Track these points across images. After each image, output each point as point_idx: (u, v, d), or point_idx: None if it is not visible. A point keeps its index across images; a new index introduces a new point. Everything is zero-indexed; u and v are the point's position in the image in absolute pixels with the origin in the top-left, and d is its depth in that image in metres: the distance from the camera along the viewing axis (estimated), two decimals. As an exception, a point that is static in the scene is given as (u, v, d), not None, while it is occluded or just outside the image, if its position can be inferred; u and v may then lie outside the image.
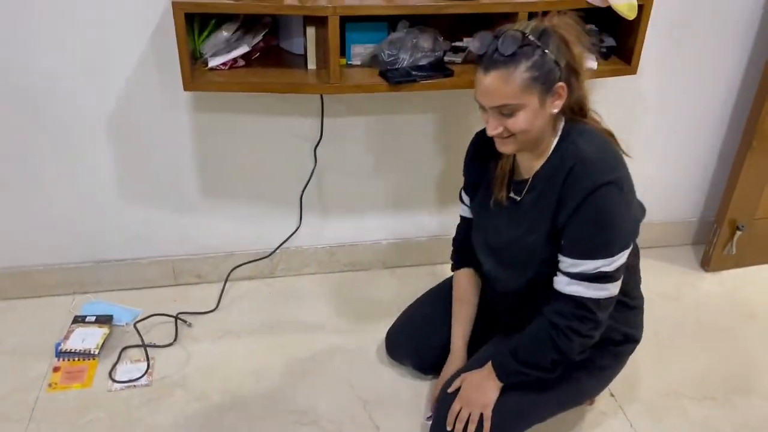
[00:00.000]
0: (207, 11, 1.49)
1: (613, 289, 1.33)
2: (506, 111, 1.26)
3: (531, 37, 1.23)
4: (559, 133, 1.35)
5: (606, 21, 1.72)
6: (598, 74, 1.71)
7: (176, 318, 1.95)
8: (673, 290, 2.18)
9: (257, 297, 2.08)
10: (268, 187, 2.01)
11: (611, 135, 1.40)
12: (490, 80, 1.25)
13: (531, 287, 1.45)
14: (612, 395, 1.75)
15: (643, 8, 1.63)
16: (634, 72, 1.74)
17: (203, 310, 2.00)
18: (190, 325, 1.95)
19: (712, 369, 1.86)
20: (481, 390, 1.44)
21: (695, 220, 2.39)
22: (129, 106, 1.79)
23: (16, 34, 1.64)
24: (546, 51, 1.24)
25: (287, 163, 1.97)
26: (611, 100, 2.05)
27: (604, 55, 1.74)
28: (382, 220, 2.15)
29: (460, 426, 1.43)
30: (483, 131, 1.41)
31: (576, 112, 1.36)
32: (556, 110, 1.30)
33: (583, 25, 1.32)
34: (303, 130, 1.92)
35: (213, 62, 1.59)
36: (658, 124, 2.15)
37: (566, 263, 1.33)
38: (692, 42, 2.01)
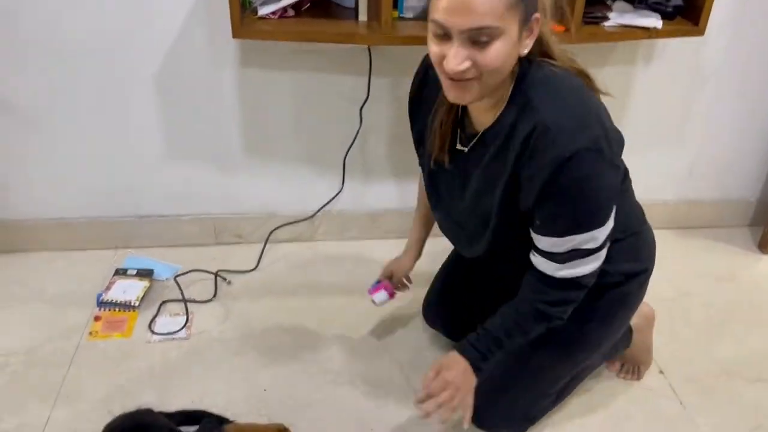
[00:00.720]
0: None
1: (603, 254, 1.18)
2: (483, 37, 0.98)
3: None
4: (515, 77, 1.09)
5: None
6: (663, 34, 1.63)
7: (216, 275, 1.94)
8: (727, 271, 2.08)
9: (297, 259, 2.06)
10: (311, 147, 1.98)
11: (584, 75, 1.14)
12: None
13: (495, 249, 1.29)
14: (661, 372, 1.68)
15: (716, -37, 1.54)
16: (701, 33, 1.64)
17: (243, 269, 1.99)
18: (229, 282, 1.94)
19: (765, 351, 1.77)
20: (468, 379, 1.26)
21: (754, 201, 2.28)
22: (176, 60, 1.77)
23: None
24: None
25: (332, 123, 1.94)
26: (671, 65, 1.95)
27: (670, 15, 1.65)
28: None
29: (433, 407, 1.22)
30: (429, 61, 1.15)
31: (538, 52, 1.10)
32: (526, 51, 1.05)
33: None
34: (349, 89, 1.88)
35: (263, 11, 1.56)
36: (719, 93, 2.03)
37: (545, 243, 1.15)
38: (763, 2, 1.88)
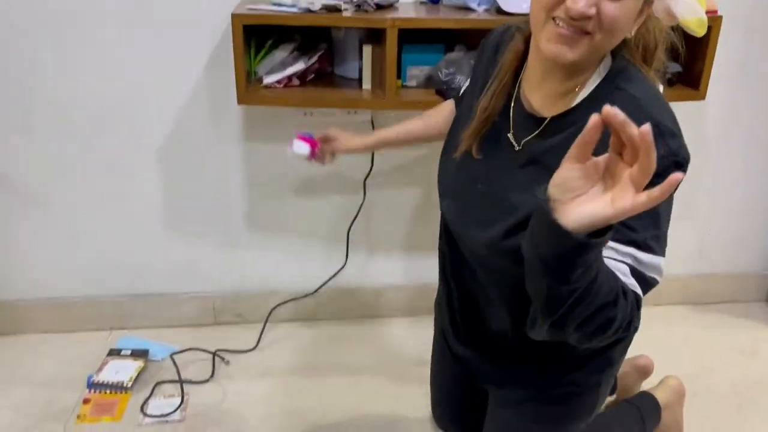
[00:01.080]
0: (265, 23, 1.48)
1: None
2: None
3: None
4: (604, 72, 0.98)
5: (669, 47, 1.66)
6: (664, 99, 1.64)
7: (214, 354, 1.85)
8: (749, 346, 1.99)
9: (299, 338, 1.97)
10: (314, 221, 1.95)
11: None
12: None
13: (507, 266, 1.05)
14: (692, 451, 1.56)
15: (712, 28, 1.56)
16: (702, 97, 1.65)
17: (242, 349, 1.90)
18: (227, 362, 1.84)
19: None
20: None
21: (768, 274, 2.22)
22: (178, 135, 1.78)
23: (71, 55, 1.66)
24: None
25: (335, 195, 1.91)
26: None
27: (669, 82, 1.67)
28: (432, 261, 2.04)
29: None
30: (508, 29, 1.07)
31: (641, 52, 1.00)
32: (632, 33, 0.95)
33: None
34: (353, 160, 1.87)
35: (268, 79, 1.58)
36: (724, 158, 2.02)
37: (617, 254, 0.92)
38: (762, 64, 1.90)
